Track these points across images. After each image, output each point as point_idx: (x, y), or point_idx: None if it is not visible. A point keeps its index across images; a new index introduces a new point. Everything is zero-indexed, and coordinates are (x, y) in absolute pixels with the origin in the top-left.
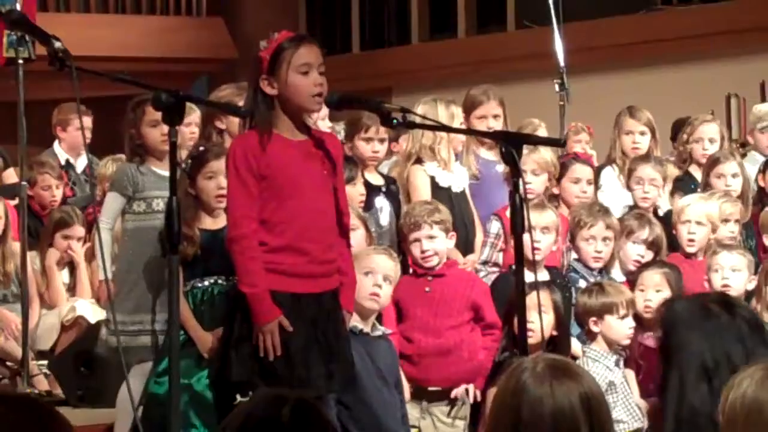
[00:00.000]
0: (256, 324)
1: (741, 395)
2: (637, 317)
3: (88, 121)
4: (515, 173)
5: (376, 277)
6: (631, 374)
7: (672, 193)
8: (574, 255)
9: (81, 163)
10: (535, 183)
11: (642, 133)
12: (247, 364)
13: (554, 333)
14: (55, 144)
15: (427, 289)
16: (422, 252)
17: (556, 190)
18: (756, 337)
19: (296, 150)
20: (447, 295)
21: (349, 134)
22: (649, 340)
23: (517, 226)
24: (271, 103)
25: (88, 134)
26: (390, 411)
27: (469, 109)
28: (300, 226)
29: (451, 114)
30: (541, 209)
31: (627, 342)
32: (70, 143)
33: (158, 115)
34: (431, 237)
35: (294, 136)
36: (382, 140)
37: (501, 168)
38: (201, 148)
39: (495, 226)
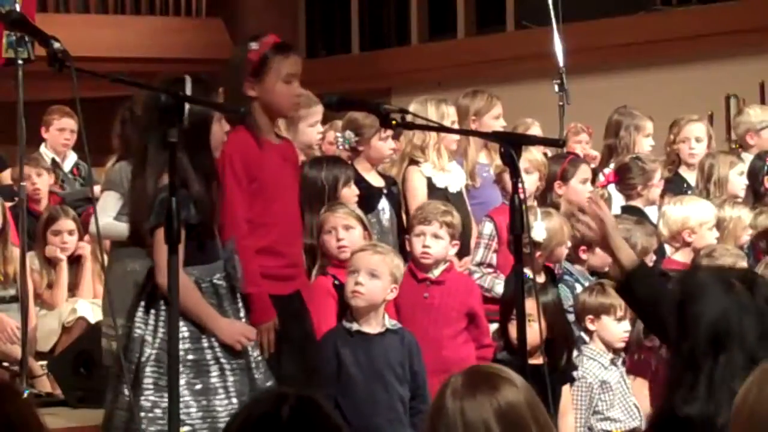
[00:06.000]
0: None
1: None
2: None
3: (71, 122)
4: (514, 174)
5: (355, 274)
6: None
7: (662, 195)
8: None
9: (69, 162)
10: (526, 182)
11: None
12: None
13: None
14: (42, 145)
15: (425, 294)
16: (424, 247)
17: (560, 191)
18: None
19: (277, 153)
20: (445, 303)
21: (364, 137)
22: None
23: (516, 227)
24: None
25: (72, 135)
26: (381, 410)
27: (484, 110)
28: (281, 229)
29: (441, 114)
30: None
31: (621, 345)
32: (51, 143)
33: None
34: (436, 236)
35: (274, 140)
36: (394, 137)
37: (491, 170)
38: None
39: (488, 227)
